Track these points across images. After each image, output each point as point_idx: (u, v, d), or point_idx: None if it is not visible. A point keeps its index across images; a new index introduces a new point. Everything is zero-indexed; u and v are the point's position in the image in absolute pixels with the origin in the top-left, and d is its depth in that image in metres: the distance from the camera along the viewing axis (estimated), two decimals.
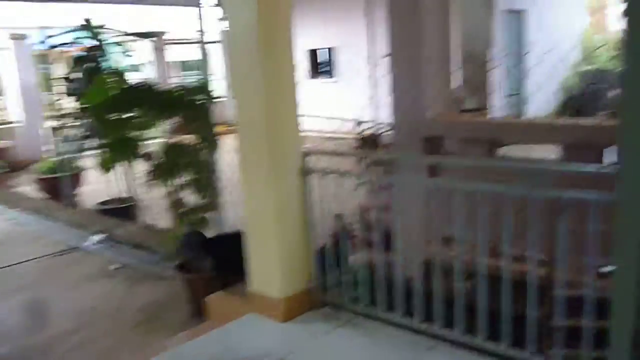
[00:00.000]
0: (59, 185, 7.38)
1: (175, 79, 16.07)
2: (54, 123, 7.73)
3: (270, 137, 3.06)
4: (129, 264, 5.17)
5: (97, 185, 7.09)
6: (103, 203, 6.77)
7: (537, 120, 3.35)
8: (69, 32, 8.25)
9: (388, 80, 4.11)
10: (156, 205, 4.14)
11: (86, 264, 5.32)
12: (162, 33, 14.79)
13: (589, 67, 14.94)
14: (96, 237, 5.87)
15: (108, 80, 3.72)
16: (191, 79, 17.35)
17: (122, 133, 3.79)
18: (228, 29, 3.18)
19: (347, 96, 12.13)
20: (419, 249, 2.86)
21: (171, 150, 3.93)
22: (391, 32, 4.12)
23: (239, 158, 3.28)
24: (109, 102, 3.69)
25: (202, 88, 3.87)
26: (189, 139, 3.94)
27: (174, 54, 15.95)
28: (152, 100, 3.73)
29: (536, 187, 2.37)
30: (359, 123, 4.71)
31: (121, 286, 4.69)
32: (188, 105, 3.78)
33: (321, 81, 13.47)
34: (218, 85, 7.35)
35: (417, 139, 3.95)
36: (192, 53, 16.93)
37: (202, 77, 4.17)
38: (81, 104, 6.17)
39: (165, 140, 3.98)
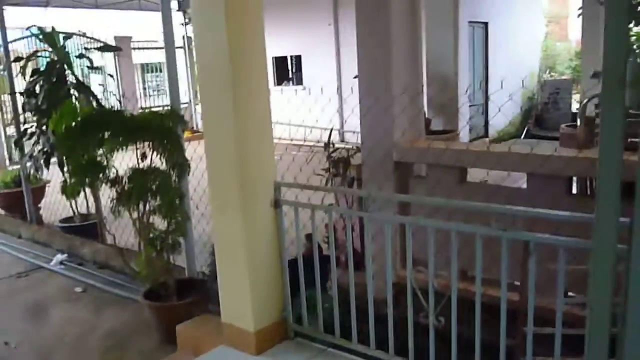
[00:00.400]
0: (21, 199, 7.13)
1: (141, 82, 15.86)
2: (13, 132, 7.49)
3: (241, 168, 3.03)
4: (94, 286, 5.05)
5: (57, 196, 6.89)
6: (66, 220, 6.59)
7: (503, 150, 3.40)
8: (27, 37, 8.01)
9: (357, 95, 4.14)
10: (121, 223, 4.06)
11: (50, 285, 5.17)
12: (129, 38, 14.56)
13: (550, 76, 15.34)
14: (61, 257, 5.73)
15: (74, 106, 3.61)
16: (155, 81, 17.18)
17: (87, 159, 3.69)
18: (197, 53, 3.14)
19: (314, 104, 12.20)
20: (390, 272, 2.87)
21: (139, 175, 3.85)
22: (360, 56, 4.14)
23: (209, 188, 3.25)
24: (75, 129, 3.60)
25: (173, 113, 3.80)
26: (158, 163, 3.87)
27: (138, 56, 15.72)
28: (120, 126, 3.65)
29: (508, 229, 2.40)
30: (328, 145, 4.69)
31: (86, 310, 4.57)
32: (157, 130, 3.72)
33: (288, 88, 13.46)
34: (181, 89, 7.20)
35: (387, 162, 3.98)
36: (157, 55, 16.78)
37: (171, 102, 4.08)
38: (39, 121, 6.02)
39: (133, 165, 3.88)
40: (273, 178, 3.22)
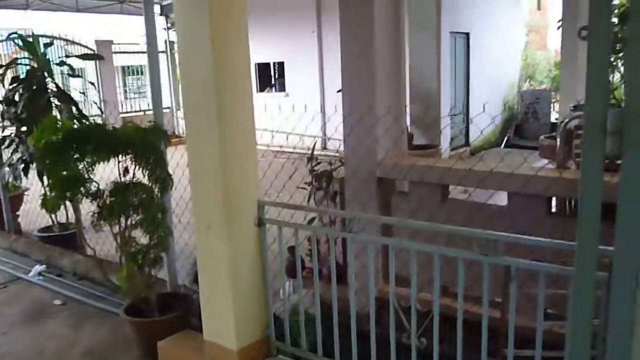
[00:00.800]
0: None
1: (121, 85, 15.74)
2: None
3: (225, 187, 3.03)
4: (74, 298, 4.99)
5: (35, 203, 6.80)
6: (45, 229, 6.51)
7: (485, 170, 3.44)
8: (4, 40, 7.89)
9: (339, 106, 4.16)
10: (101, 234, 4.03)
11: (28, 298, 5.10)
12: (110, 42, 14.44)
13: (529, 85, 15.54)
14: (39, 268, 5.65)
15: (54, 121, 3.57)
16: (136, 83, 17.06)
17: (68, 173, 3.66)
18: (180, 63, 3.13)
19: (297, 110, 12.26)
20: (372, 291, 2.90)
21: (121, 190, 3.83)
22: (344, 73, 4.17)
23: (193, 205, 3.25)
24: (56, 143, 3.56)
25: (156, 129, 3.78)
26: (140, 178, 3.85)
27: (119, 59, 15.60)
28: (102, 140, 3.62)
29: (489, 252, 2.44)
30: (312, 158, 4.70)
31: (66, 324, 4.51)
32: (140, 145, 3.70)
33: (271, 95, 13.46)
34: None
35: (370, 181, 4.01)
36: (138, 58, 16.69)
37: (155, 116, 4.06)
38: (19, 129, 5.94)
39: (115, 179, 3.86)
40: (257, 197, 3.22)
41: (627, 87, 1.20)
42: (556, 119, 12.41)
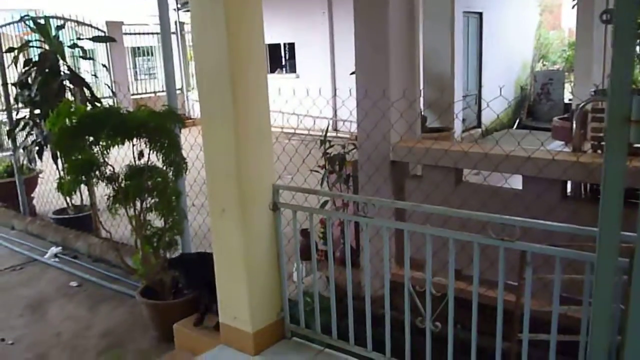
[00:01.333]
0: (13, 190, 7.09)
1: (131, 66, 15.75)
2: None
3: (240, 171, 3.03)
4: (89, 280, 5.06)
5: (50, 185, 6.87)
6: (59, 211, 6.58)
7: (501, 154, 3.42)
8: (16, 22, 7.88)
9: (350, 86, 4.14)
10: (116, 217, 4.08)
11: (45, 280, 5.17)
12: (121, 23, 14.40)
13: (542, 66, 15.35)
14: (55, 250, 5.72)
15: (70, 106, 3.58)
16: (147, 64, 17.04)
17: (83, 157, 3.68)
18: (195, 52, 3.12)
19: (308, 92, 12.26)
20: (388, 276, 2.91)
21: (136, 174, 3.86)
22: (358, 55, 4.14)
23: (208, 190, 3.26)
24: (71, 128, 3.58)
25: (171, 113, 3.79)
26: (154, 161, 3.87)
27: (129, 40, 15.58)
28: (117, 125, 3.64)
29: (505, 237, 2.44)
30: (324, 141, 4.69)
31: (82, 306, 4.58)
32: (155, 129, 3.71)
33: (282, 76, 13.40)
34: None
35: (384, 166, 4.00)
36: (147, 39, 16.65)
37: (169, 100, 4.06)
38: (32, 112, 5.98)
39: (130, 163, 3.89)
40: (271, 181, 3.23)
41: None
42: (570, 100, 12.28)
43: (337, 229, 4.82)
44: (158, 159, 3.88)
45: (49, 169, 6.76)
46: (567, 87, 13.64)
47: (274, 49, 13.88)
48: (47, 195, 7.19)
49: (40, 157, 6.26)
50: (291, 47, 13.66)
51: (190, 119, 13.27)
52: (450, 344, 2.75)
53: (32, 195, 7.43)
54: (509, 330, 2.79)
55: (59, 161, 5.86)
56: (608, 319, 1.52)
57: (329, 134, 5.00)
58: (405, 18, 4.16)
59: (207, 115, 3.12)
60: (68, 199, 6.27)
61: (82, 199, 6.39)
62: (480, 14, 11.64)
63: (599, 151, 3.60)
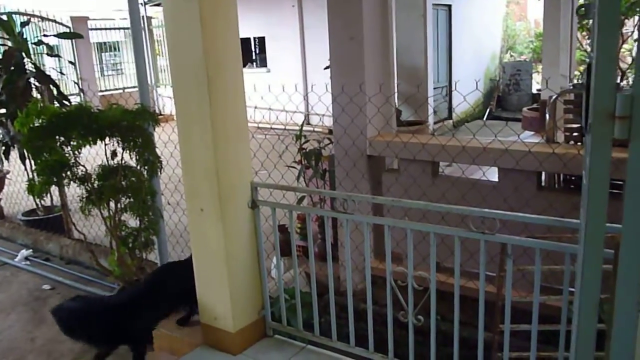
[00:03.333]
0: None
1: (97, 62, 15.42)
2: None
3: (218, 169, 2.99)
4: (63, 283, 4.95)
5: (18, 186, 6.70)
6: (29, 213, 6.42)
7: (478, 147, 3.45)
8: None
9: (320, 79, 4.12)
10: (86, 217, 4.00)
11: (16, 283, 5.05)
12: (86, 18, 14.09)
13: (510, 57, 15.56)
14: (26, 252, 5.59)
15: (39, 105, 3.48)
16: (113, 60, 16.72)
17: (55, 158, 3.59)
18: (169, 47, 3.06)
19: (280, 87, 12.22)
20: (369, 271, 2.92)
21: (109, 174, 3.78)
22: (332, 50, 4.12)
23: (185, 188, 3.21)
24: (41, 128, 3.48)
25: (144, 111, 3.71)
26: (128, 161, 3.80)
27: (95, 35, 15.24)
28: (89, 124, 3.56)
29: (485, 230, 2.46)
30: (300, 137, 4.67)
31: None
32: (128, 127, 3.63)
33: (253, 71, 13.29)
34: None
35: (362, 161, 4.00)
36: (113, 34, 16.35)
37: (141, 97, 3.98)
38: None
39: (103, 162, 3.81)
40: (249, 178, 3.20)
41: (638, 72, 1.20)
42: (538, 90, 12.49)
43: (315, 224, 4.81)
44: (132, 158, 3.82)
45: (16, 170, 6.58)
46: (535, 78, 13.87)
47: (244, 43, 13.67)
48: (15, 196, 7.01)
49: (7, 158, 6.09)
50: (261, 41, 13.55)
51: (161, 114, 13.06)
52: (433, 336, 2.77)
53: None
54: (490, 321, 2.82)
55: (27, 161, 5.71)
56: (594, 308, 1.54)
57: (304, 128, 4.97)
58: (379, 11, 4.16)
59: (183, 112, 3.06)
60: (38, 200, 6.12)
61: (52, 200, 6.24)
62: (449, 6, 11.73)
63: (572, 142, 3.67)
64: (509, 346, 2.61)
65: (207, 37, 2.82)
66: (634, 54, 9.94)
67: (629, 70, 9.02)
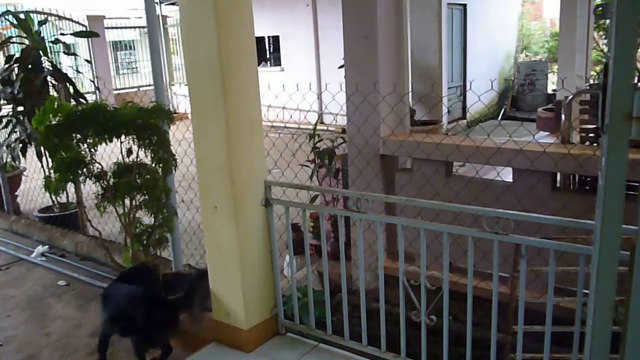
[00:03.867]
0: None
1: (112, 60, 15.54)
2: None
3: (232, 167, 3.01)
4: (78, 279, 5.00)
5: (34, 183, 6.78)
6: (45, 209, 6.49)
7: (492, 147, 3.44)
8: None
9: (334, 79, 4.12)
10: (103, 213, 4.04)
11: (32, 279, 5.10)
12: (102, 17, 14.21)
13: (525, 57, 15.45)
14: (42, 249, 5.65)
15: (56, 103, 3.52)
16: (128, 59, 16.86)
17: (71, 155, 3.63)
18: (185, 48, 3.09)
19: (293, 86, 12.24)
20: (382, 270, 2.92)
21: (125, 171, 3.82)
22: (347, 49, 4.13)
23: (199, 186, 3.23)
24: (58, 126, 3.52)
25: (159, 109, 3.74)
26: (143, 159, 3.84)
27: (110, 33, 15.38)
28: (105, 122, 3.59)
29: (499, 230, 2.45)
30: (314, 136, 4.68)
31: (71, 306, 4.52)
32: (143, 125, 3.67)
33: (267, 70, 13.32)
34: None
35: (375, 160, 4.00)
36: (129, 33, 16.49)
37: (156, 95, 4.01)
38: (15, 109, 5.88)
39: (118, 160, 3.84)
40: (263, 177, 3.21)
41: None
42: (553, 90, 12.38)
43: (327, 223, 4.82)
44: (147, 156, 3.85)
45: (33, 167, 6.66)
46: (550, 78, 13.75)
47: (258, 42, 13.68)
48: (31, 193, 7.09)
49: (24, 155, 6.16)
50: (275, 40, 13.58)
51: (176, 113, 13.15)
52: (446, 336, 2.77)
53: (16, 193, 7.31)
54: (502, 321, 2.81)
55: (44, 159, 5.78)
56: (610, 310, 1.54)
57: (317, 128, 4.98)
58: (393, 11, 4.16)
59: (198, 110, 3.08)
60: (53, 196, 6.18)
61: (67, 197, 6.30)
62: (464, 5, 11.67)
63: (587, 143, 3.64)
64: (522, 347, 2.60)
65: (222, 35, 2.84)
66: None
67: None
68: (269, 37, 13.73)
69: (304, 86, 4.27)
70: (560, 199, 3.34)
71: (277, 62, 13.60)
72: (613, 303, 1.47)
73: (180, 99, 14.98)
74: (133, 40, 16.92)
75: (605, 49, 10.71)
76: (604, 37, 11.29)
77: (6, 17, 6.64)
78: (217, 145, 3.01)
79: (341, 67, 4.38)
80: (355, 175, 4.12)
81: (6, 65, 5.93)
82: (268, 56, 13.95)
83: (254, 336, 3.23)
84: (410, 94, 4.46)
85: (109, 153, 4.02)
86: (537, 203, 3.31)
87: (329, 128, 7.30)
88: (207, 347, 3.30)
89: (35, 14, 6.82)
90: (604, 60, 11.06)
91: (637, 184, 2.94)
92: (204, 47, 2.90)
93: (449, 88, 10.88)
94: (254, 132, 3.12)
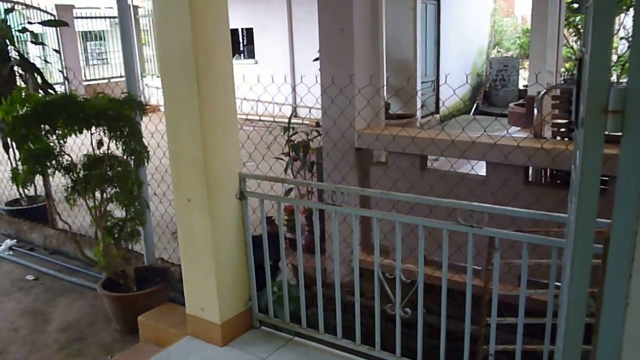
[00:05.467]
0: None
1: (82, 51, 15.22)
2: None
3: (206, 160, 2.97)
4: (47, 273, 4.90)
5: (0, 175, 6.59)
6: (12, 202, 6.33)
7: (467, 141, 3.46)
8: None
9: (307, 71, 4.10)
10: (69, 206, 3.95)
11: (0, 273, 4.99)
12: (72, 7, 13.89)
13: (497, 52, 15.63)
14: (9, 242, 5.52)
15: (24, 93, 3.42)
16: (98, 49, 16.52)
17: (39, 147, 3.53)
18: (158, 38, 3.02)
19: (267, 78, 12.14)
20: (357, 263, 2.91)
21: (95, 163, 3.73)
22: (322, 41, 4.10)
23: (172, 179, 3.18)
24: (26, 116, 3.43)
25: (131, 100, 3.67)
26: (114, 151, 3.76)
27: (79, 24, 15.03)
28: (75, 112, 3.50)
29: (473, 223, 2.47)
30: (288, 129, 4.65)
31: (40, 301, 4.44)
32: (114, 117, 3.59)
33: (240, 62, 13.20)
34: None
35: (350, 153, 4.00)
36: (98, 23, 16.16)
37: (128, 86, 3.94)
38: None
39: (88, 152, 3.76)
40: (238, 169, 3.18)
41: (633, 65, 1.20)
42: (524, 86, 12.56)
43: (302, 217, 4.80)
44: (118, 148, 3.77)
45: None
46: (521, 74, 13.94)
47: (231, 34, 13.59)
48: None
49: None
50: (249, 32, 13.46)
51: (147, 105, 12.94)
52: (420, 329, 2.78)
53: None
54: (476, 314, 2.84)
55: (11, 150, 5.63)
56: (584, 302, 1.56)
57: (292, 121, 4.95)
58: (369, 3, 4.15)
59: (172, 102, 3.03)
60: (22, 189, 6.03)
61: (36, 190, 6.15)
62: (438, 0, 11.73)
63: (559, 137, 3.69)
64: (495, 339, 2.63)
65: (197, 26, 2.79)
66: (619, 51, 10.04)
67: (613, 68, 9.10)
68: (242, 29, 13.59)
69: (278, 79, 4.23)
70: (533, 192, 3.39)
71: (251, 54, 13.49)
72: (586, 295, 1.49)
73: (152, 90, 14.75)
74: (103, 31, 16.57)
75: (575, 46, 10.91)
76: (573, 34, 11.49)
77: None
78: (191, 137, 2.96)
79: (316, 59, 4.35)
80: (330, 169, 4.11)
81: None
82: (242, 48, 13.82)
83: (228, 330, 3.20)
84: (385, 87, 4.45)
85: (79, 145, 3.94)
86: (511, 196, 3.35)
87: (304, 121, 7.28)
88: (180, 341, 3.26)
89: (1, 2, 6.63)
90: (573, 57, 11.26)
91: (607, 179, 3.00)
92: (178, 37, 2.85)
93: (422, 82, 10.94)
94: (228, 124, 3.08)
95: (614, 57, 9.41)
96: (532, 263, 2.56)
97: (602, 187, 2.98)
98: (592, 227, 1.40)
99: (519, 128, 8.20)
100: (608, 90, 1.25)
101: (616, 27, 8.75)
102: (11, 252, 5.39)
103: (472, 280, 2.59)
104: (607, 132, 1.34)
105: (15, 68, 5.67)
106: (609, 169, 1.81)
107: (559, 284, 2.17)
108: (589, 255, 1.41)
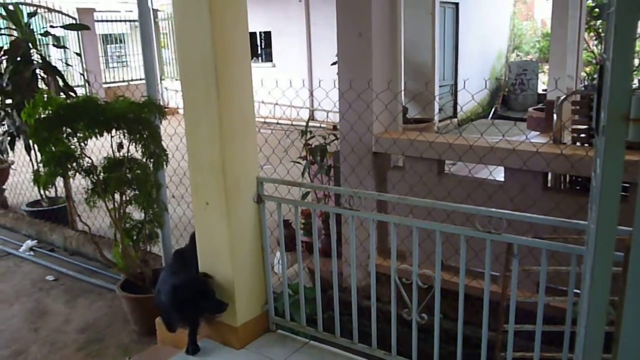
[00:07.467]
0: None
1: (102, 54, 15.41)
2: None
3: (224, 164, 2.99)
4: (67, 274, 4.96)
5: (22, 177, 6.70)
6: (33, 203, 6.43)
7: (485, 146, 3.44)
8: None
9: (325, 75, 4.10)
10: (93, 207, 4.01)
11: (20, 274, 5.06)
12: (92, 10, 14.08)
13: (516, 56, 15.51)
14: (30, 243, 5.60)
15: (46, 96, 3.48)
16: (118, 52, 16.73)
17: (60, 149, 3.59)
18: (178, 42, 3.06)
19: (285, 82, 12.20)
20: (373, 268, 2.91)
21: (115, 166, 3.78)
22: (340, 46, 4.11)
23: (191, 183, 3.21)
24: (48, 119, 3.48)
25: (151, 104, 3.71)
26: (134, 154, 3.80)
27: (99, 27, 15.22)
28: (95, 116, 3.55)
29: (492, 230, 2.45)
30: (306, 132, 4.66)
31: (60, 301, 4.49)
32: (134, 120, 3.63)
33: (258, 65, 13.26)
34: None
35: (367, 157, 4.00)
36: (118, 26, 16.35)
37: (148, 90, 3.98)
38: (4, 102, 5.81)
39: (108, 155, 3.81)
40: (255, 173, 3.20)
41: None
42: (544, 90, 12.44)
43: (319, 220, 4.81)
44: (137, 151, 3.82)
45: (21, 160, 6.59)
46: (541, 78, 13.81)
47: (249, 37, 13.70)
48: (19, 187, 7.02)
49: (12, 148, 6.08)
50: (267, 35, 13.52)
51: (166, 108, 13.06)
52: (437, 334, 2.77)
53: (3, 187, 7.23)
54: (493, 320, 2.82)
55: (33, 152, 5.71)
56: (604, 311, 1.54)
57: (310, 124, 4.97)
58: (388, 8, 4.15)
59: (191, 105, 3.06)
60: (43, 191, 6.12)
61: (56, 191, 6.25)
62: (457, 4, 11.68)
63: (578, 143, 3.66)
64: (513, 346, 2.61)
65: (216, 29, 2.81)
66: None
67: (635, 73, 8.97)
68: (260, 32, 13.66)
69: (296, 82, 4.25)
70: (552, 198, 3.36)
71: (268, 57, 13.55)
72: (607, 303, 1.48)
73: (171, 93, 14.88)
74: (123, 34, 16.79)
75: (596, 51, 10.77)
76: (594, 38, 11.36)
77: None
78: (210, 140, 2.98)
79: (334, 64, 4.37)
80: (347, 173, 4.11)
81: None
82: (259, 52, 13.89)
83: (245, 333, 3.21)
84: (402, 91, 4.44)
85: (99, 147, 3.99)
86: (529, 202, 3.32)
87: (321, 125, 7.30)
88: (199, 343, 3.27)
89: (24, 6, 6.74)
90: (594, 61, 11.13)
91: (628, 185, 2.96)
92: (197, 41, 2.87)
93: (440, 87, 10.89)
94: (246, 128, 3.10)
95: (636, 62, 9.29)
96: (550, 270, 2.53)
97: (623, 193, 2.95)
98: (613, 236, 1.39)
99: (537, 133, 8.13)
100: (629, 98, 1.24)
101: (639, 32, 8.63)
102: (32, 253, 5.46)
103: (489, 286, 2.58)
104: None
105: (38, 71, 5.76)
106: (629, 175, 1.79)
107: (578, 291, 2.15)
108: (609, 263, 1.40)
